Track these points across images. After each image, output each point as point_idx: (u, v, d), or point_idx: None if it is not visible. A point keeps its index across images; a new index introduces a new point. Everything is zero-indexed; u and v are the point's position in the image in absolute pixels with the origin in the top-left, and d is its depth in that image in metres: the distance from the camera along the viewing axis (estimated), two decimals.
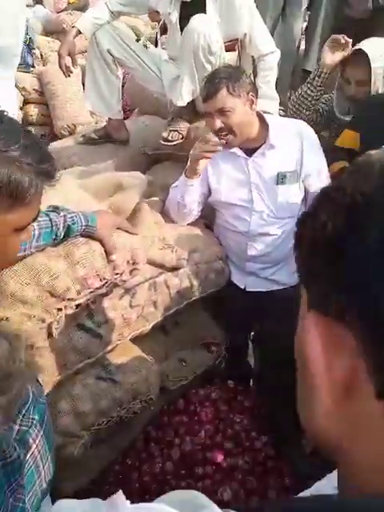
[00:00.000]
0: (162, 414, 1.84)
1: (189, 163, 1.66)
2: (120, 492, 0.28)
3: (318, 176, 1.67)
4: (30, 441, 0.66)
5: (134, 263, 1.27)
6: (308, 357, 0.29)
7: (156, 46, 3.29)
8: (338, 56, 1.97)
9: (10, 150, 0.54)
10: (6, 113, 0.58)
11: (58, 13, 6.00)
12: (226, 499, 1.53)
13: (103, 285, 1.17)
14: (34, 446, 0.65)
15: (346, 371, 0.28)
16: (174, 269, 1.53)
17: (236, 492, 1.57)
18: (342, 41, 1.93)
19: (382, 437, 0.27)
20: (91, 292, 1.15)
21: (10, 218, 0.58)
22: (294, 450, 1.74)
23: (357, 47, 1.91)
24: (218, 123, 1.55)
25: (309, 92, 2.06)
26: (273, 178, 1.64)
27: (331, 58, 1.98)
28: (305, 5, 2.67)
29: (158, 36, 5.40)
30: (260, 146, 1.62)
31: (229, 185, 1.70)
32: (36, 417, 0.68)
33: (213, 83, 1.54)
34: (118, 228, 1.32)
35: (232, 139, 1.58)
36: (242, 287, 1.84)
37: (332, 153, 1.81)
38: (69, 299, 1.09)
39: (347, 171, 0.31)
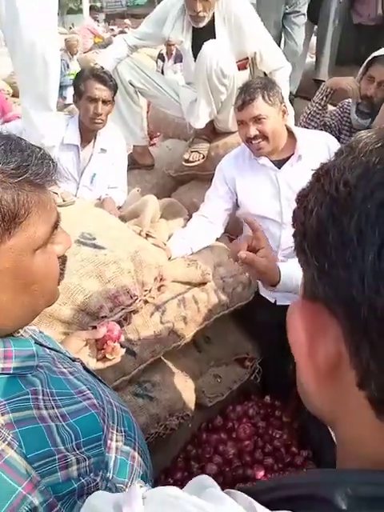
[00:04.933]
0: (201, 431, 1.84)
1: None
2: (136, 483, 0.30)
3: None
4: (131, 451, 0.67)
5: (161, 280, 1.31)
6: (293, 344, 0.30)
7: (162, 73, 3.43)
8: (345, 82, 2.02)
9: None
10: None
11: (84, 52, 6.34)
12: None
13: (133, 301, 1.21)
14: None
15: (330, 357, 0.28)
16: (201, 284, 1.56)
17: None
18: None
19: (362, 419, 0.28)
20: (123, 309, 1.20)
21: (16, 242, 0.51)
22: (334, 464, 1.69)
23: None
24: (253, 130, 1.59)
25: (316, 110, 2.12)
26: None
27: (337, 81, 2.04)
28: (304, 19, 2.74)
29: (161, 64, 5.58)
30: (288, 158, 1.64)
31: (258, 197, 1.71)
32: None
33: (248, 92, 1.59)
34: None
35: (264, 145, 1.62)
36: (272, 301, 1.83)
37: None
38: (102, 317, 1.14)
39: (338, 152, 0.30)
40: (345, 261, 0.26)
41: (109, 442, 0.62)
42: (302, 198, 0.31)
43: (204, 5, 1.93)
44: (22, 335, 0.60)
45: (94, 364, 0.84)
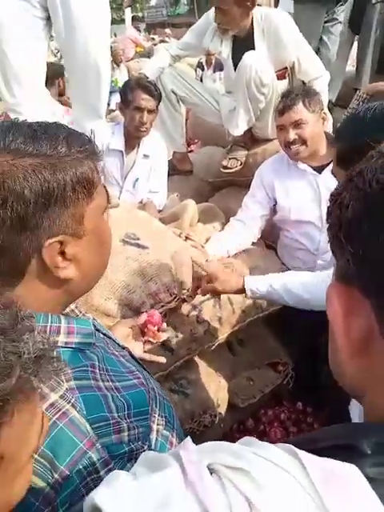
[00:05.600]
0: (233, 432, 1.87)
1: None
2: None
3: None
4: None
5: (199, 280, 1.37)
6: (330, 318, 0.35)
7: (201, 81, 3.51)
8: (381, 84, 2.02)
9: (59, 150, 0.54)
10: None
11: (127, 62, 6.55)
12: None
13: (172, 299, 1.28)
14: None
15: (363, 331, 0.33)
16: None
17: None
18: None
19: None
20: (162, 306, 1.26)
21: (95, 204, 0.60)
22: None
23: None
24: (292, 135, 1.64)
25: None
26: None
27: (373, 85, 2.05)
28: (340, 27, 2.76)
29: (201, 73, 5.68)
30: (328, 164, 1.66)
31: (298, 202, 1.74)
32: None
33: (290, 98, 1.65)
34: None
35: (303, 150, 1.66)
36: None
37: None
38: (144, 312, 1.20)
39: (369, 157, 0.35)
40: (378, 246, 0.30)
41: (151, 424, 0.67)
42: (336, 196, 0.36)
43: (220, 18, 2.01)
44: (82, 316, 0.68)
45: (139, 351, 0.91)
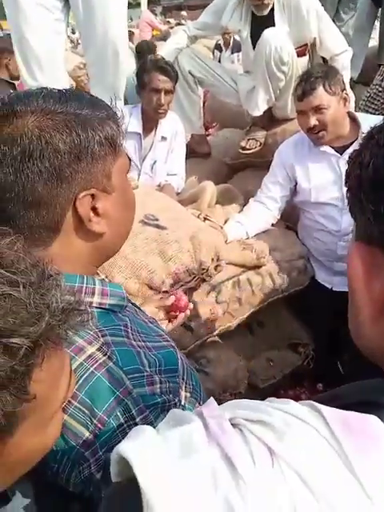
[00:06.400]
0: None
1: None
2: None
3: None
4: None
5: (218, 259, 1.37)
6: (351, 278, 0.35)
7: (219, 63, 3.46)
8: None
9: (85, 111, 0.59)
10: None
11: None
12: None
13: (192, 279, 1.29)
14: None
15: None
16: (256, 267, 1.61)
17: None
18: None
19: None
20: (182, 285, 1.28)
21: (120, 163, 0.63)
22: None
23: None
24: (313, 120, 1.59)
25: (377, 92, 2.06)
26: None
27: None
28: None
29: (219, 54, 5.58)
30: (351, 144, 1.62)
31: (320, 184, 1.71)
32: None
33: (309, 82, 1.57)
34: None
35: (324, 134, 1.62)
36: (329, 287, 1.83)
37: None
38: (164, 292, 1.22)
39: None
40: None
41: (180, 390, 0.69)
42: (356, 156, 0.35)
43: None
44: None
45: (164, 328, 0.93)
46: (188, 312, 1.00)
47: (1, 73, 2.97)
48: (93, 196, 0.60)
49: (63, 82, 1.83)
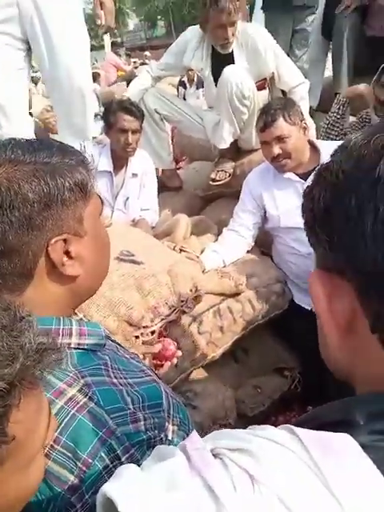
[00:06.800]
0: None
1: None
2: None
3: None
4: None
5: (196, 290, 1.38)
6: (315, 304, 0.37)
7: (184, 99, 3.59)
8: (359, 89, 2.09)
9: (54, 159, 0.60)
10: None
11: (109, 86, 6.68)
12: None
13: (172, 312, 1.29)
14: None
15: (347, 313, 0.35)
16: (235, 295, 1.62)
17: None
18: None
19: (377, 362, 0.34)
20: (162, 319, 1.28)
21: (91, 206, 0.65)
22: None
23: None
24: (276, 150, 1.67)
25: (335, 120, 2.19)
26: None
27: (351, 89, 2.12)
28: (310, 37, 2.86)
29: (183, 91, 5.79)
30: (312, 170, 1.69)
31: (287, 210, 1.76)
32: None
33: (269, 114, 1.67)
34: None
35: (288, 162, 1.70)
36: (309, 308, 1.86)
37: None
38: (144, 327, 1.22)
39: (334, 152, 0.37)
40: (349, 230, 0.33)
41: (166, 424, 0.68)
42: (309, 192, 0.38)
43: (233, 31, 2.06)
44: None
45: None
46: (175, 360, 0.99)
47: None
48: (65, 240, 0.61)
49: (29, 129, 1.86)
